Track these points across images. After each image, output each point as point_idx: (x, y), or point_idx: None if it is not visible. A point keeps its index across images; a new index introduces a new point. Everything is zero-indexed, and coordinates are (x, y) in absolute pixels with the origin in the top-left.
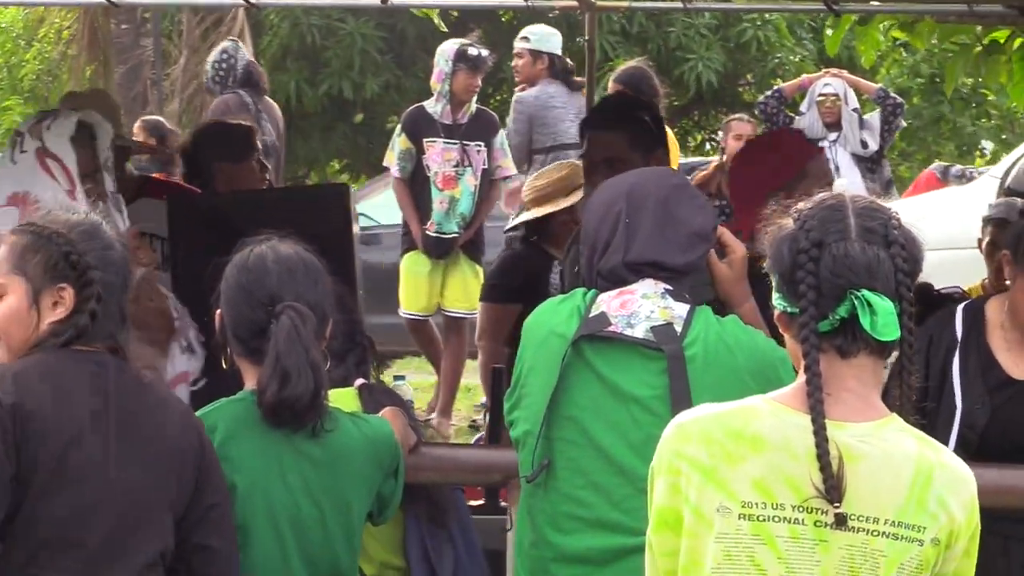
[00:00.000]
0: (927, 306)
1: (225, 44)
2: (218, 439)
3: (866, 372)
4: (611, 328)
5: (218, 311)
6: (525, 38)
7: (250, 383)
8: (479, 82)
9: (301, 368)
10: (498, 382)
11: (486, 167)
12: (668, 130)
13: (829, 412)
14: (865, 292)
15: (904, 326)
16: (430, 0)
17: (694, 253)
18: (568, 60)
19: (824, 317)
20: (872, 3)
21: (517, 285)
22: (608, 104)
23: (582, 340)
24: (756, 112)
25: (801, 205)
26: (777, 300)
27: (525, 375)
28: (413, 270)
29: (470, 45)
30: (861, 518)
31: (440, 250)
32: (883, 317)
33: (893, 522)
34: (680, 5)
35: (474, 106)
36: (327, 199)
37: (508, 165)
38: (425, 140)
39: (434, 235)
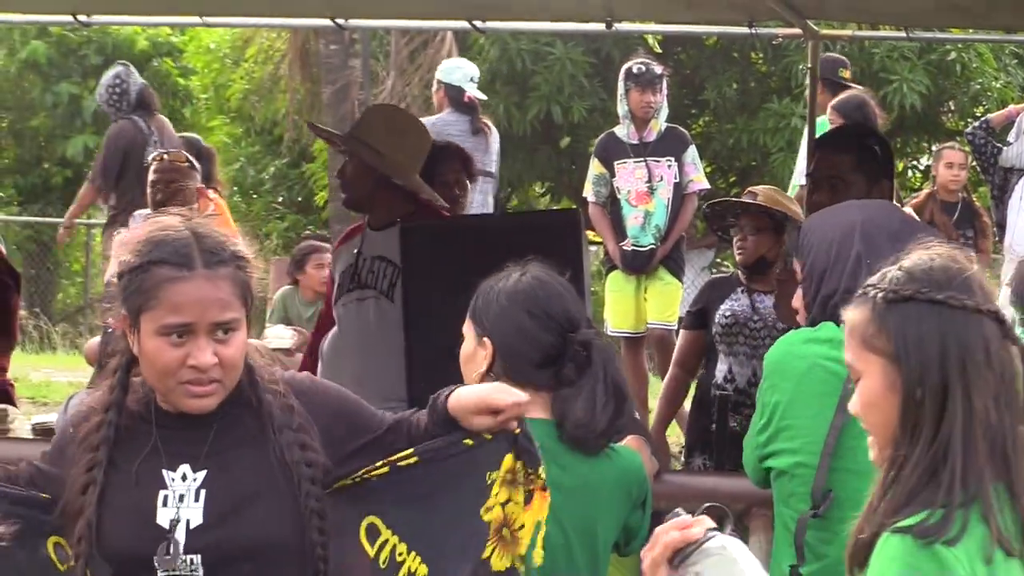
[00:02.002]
0: None
1: (117, 69)
2: None
3: None
4: None
5: (486, 341)
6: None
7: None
8: (652, 97)
9: (609, 394)
10: (723, 410)
11: (678, 181)
12: None
13: None
14: None
15: None
16: (653, 27)
17: None
18: (469, 95)
19: None
20: None
21: (698, 311)
22: (842, 128)
23: None
24: (965, 140)
25: None
26: None
27: (784, 407)
28: (617, 288)
29: (637, 63)
30: None
31: (637, 263)
32: None
33: None
34: (903, 34)
35: (663, 124)
36: (559, 225)
37: (700, 179)
38: (616, 163)
39: (631, 249)
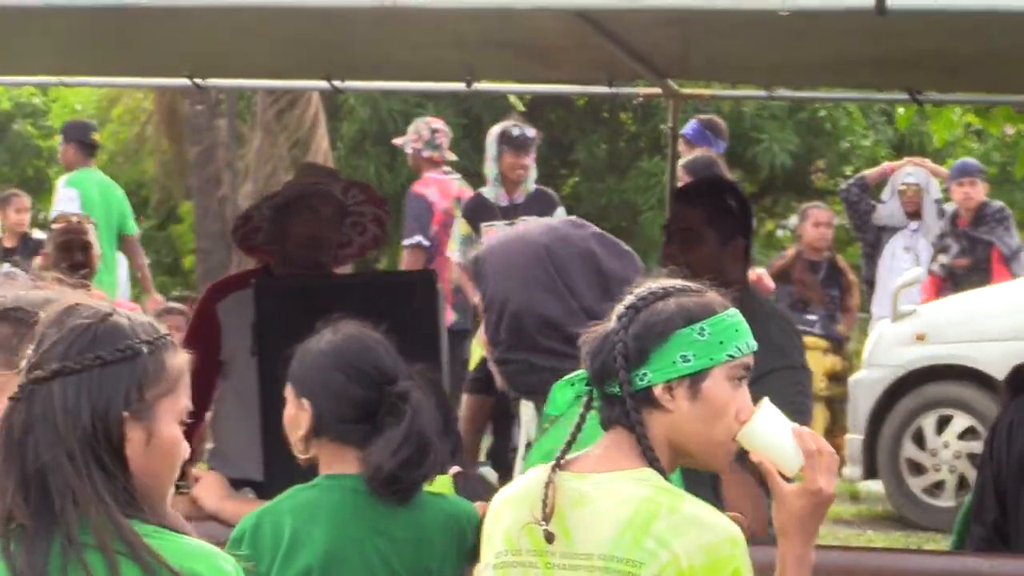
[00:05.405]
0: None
1: None
2: (291, 525)
3: (619, 438)
4: None
5: (304, 402)
6: None
7: (336, 467)
8: (525, 160)
9: (408, 442)
10: None
11: None
12: None
13: (575, 466)
14: None
15: None
16: (515, 87)
17: None
18: None
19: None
20: (955, 93)
21: (487, 375)
22: (699, 181)
23: None
24: (839, 198)
25: None
26: None
27: None
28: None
29: (512, 125)
30: (579, 555)
31: None
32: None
33: (605, 556)
34: (764, 93)
35: (532, 186)
36: (415, 284)
37: None
38: (484, 225)
39: None
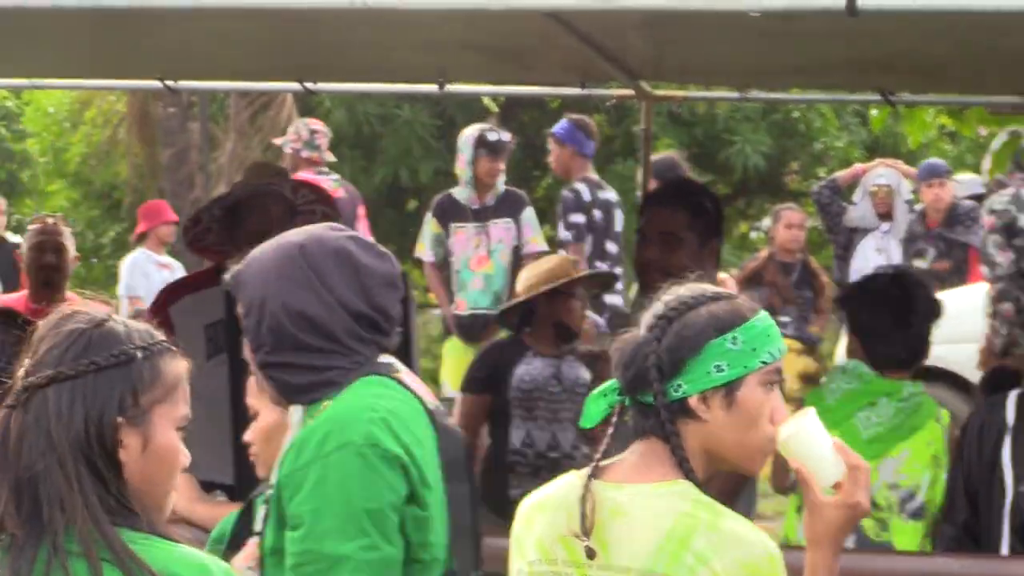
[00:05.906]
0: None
1: None
2: None
3: (654, 446)
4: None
5: None
6: None
7: None
8: (501, 165)
9: None
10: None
11: (516, 243)
12: None
13: (610, 475)
14: None
15: None
16: (488, 88)
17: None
18: None
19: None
20: (928, 95)
21: (486, 375)
22: (672, 183)
23: None
24: (811, 200)
25: None
26: None
27: None
28: (455, 350)
29: (489, 130)
30: (617, 568)
31: (475, 329)
32: None
33: (643, 571)
34: (737, 95)
35: (501, 187)
36: None
37: (538, 241)
38: (453, 225)
39: (468, 314)
